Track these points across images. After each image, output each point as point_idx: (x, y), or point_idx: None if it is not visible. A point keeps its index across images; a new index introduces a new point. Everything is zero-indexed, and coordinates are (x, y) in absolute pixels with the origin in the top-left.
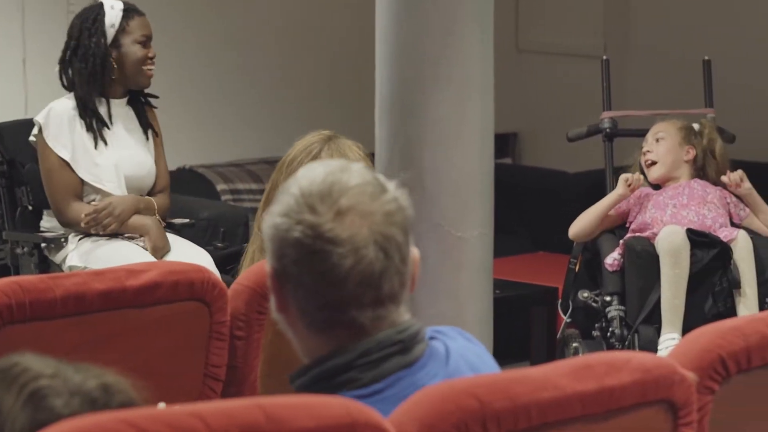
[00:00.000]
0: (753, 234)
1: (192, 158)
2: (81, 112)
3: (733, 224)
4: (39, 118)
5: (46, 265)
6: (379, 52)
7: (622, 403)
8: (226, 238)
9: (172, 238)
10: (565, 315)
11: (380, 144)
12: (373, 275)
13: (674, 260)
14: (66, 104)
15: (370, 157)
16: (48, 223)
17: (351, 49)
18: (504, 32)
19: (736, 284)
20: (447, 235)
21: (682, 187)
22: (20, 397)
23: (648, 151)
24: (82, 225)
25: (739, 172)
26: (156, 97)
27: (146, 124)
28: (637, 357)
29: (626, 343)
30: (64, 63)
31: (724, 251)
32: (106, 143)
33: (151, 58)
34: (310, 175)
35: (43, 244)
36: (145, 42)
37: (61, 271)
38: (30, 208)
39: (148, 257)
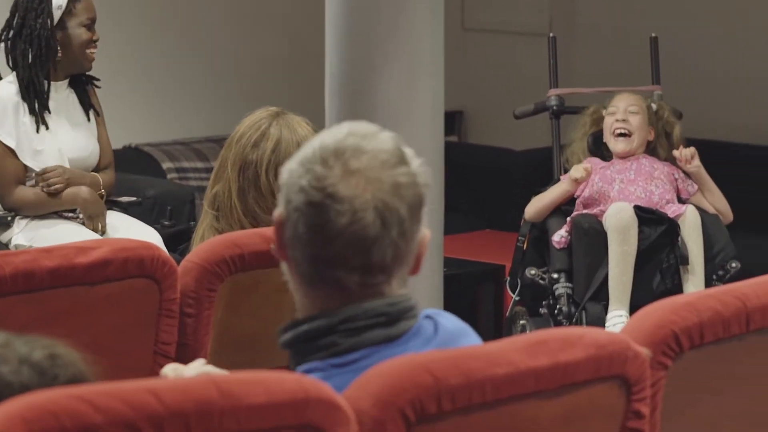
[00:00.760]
0: (701, 211)
1: (138, 136)
2: (24, 95)
3: (681, 200)
4: None
5: None
6: (329, 31)
7: (575, 379)
8: (173, 217)
9: (119, 216)
10: (513, 293)
11: (330, 123)
12: (365, 240)
13: (622, 237)
14: (9, 89)
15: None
16: None
17: (300, 26)
18: (450, 11)
19: (684, 261)
20: None
21: (630, 162)
22: None
23: (623, 120)
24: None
25: (691, 149)
26: (97, 79)
27: (88, 105)
28: (591, 333)
29: (574, 320)
30: (6, 42)
31: (671, 228)
32: (47, 127)
33: (95, 41)
34: (335, 131)
35: None
36: (90, 25)
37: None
38: None
39: (94, 237)
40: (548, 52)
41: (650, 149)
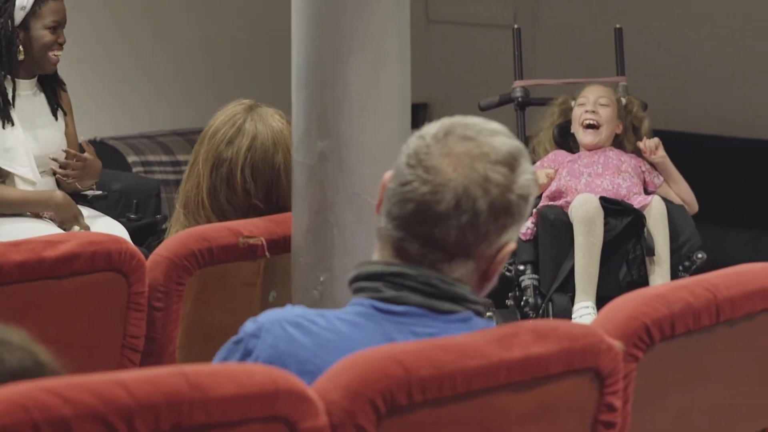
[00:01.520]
0: (666, 202)
1: (103, 130)
2: None
3: (648, 193)
4: None
5: None
6: (295, 22)
7: (548, 372)
8: (139, 210)
9: (85, 210)
10: None
11: (297, 115)
12: (432, 213)
13: (588, 228)
14: None
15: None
16: None
17: (266, 19)
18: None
19: (650, 252)
20: (364, 204)
21: (597, 155)
22: None
23: (593, 112)
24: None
25: (655, 140)
26: (63, 84)
27: (55, 104)
28: (564, 325)
29: (540, 311)
30: None
31: (637, 219)
32: (12, 123)
33: (60, 44)
34: (470, 118)
35: None
36: (55, 27)
37: None
38: None
39: (59, 232)
40: (513, 43)
41: (617, 142)
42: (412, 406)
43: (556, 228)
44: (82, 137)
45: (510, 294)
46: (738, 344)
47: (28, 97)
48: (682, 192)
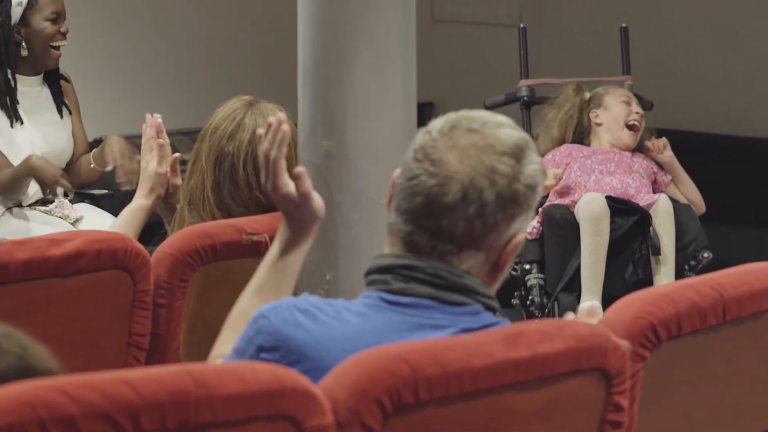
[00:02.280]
0: (673, 201)
1: (108, 129)
2: None
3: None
4: None
5: None
6: (301, 20)
7: (554, 371)
8: None
9: (91, 209)
10: None
11: (303, 113)
12: (440, 206)
13: (594, 227)
14: None
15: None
16: None
17: (272, 18)
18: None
19: (656, 251)
20: (370, 202)
21: (612, 154)
22: None
23: (641, 115)
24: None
25: (663, 140)
26: (67, 78)
27: (61, 102)
28: (571, 325)
29: (546, 311)
30: None
31: (643, 218)
32: (21, 122)
33: (63, 34)
34: (472, 112)
35: None
36: (56, 18)
37: None
38: None
39: (68, 229)
40: (518, 42)
41: None
42: (418, 405)
43: (561, 227)
44: (88, 136)
45: (516, 293)
46: (744, 343)
47: (33, 95)
48: (689, 192)
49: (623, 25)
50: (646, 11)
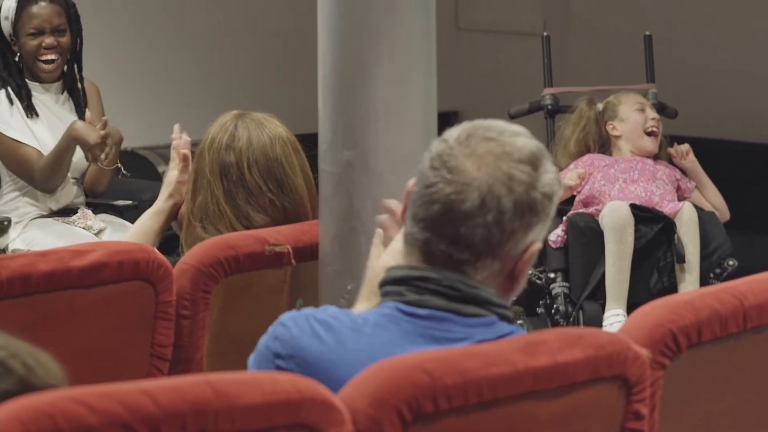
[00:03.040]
0: (698, 209)
1: (133, 140)
2: (10, 100)
3: (683, 200)
4: None
5: None
6: (321, 31)
7: (574, 379)
8: None
9: (115, 219)
10: None
11: (323, 123)
12: (458, 213)
13: (619, 236)
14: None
15: (310, 136)
16: None
17: (294, 29)
18: (444, 11)
19: (680, 259)
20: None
21: (636, 162)
22: None
23: (658, 120)
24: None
25: (686, 146)
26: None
27: (82, 112)
28: (590, 333)
29: (571, 319)
30: None
31: (668, 226)
32: (37, 114)
33: (48, 48)
34: (491, 121)
35: None
36: (36, 34)
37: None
38: None
39: (91, 240)
40: (542, 51)
41: None
42: (437, 414)
43: (586, 235)
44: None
45: (540, 302)
46: (765, 351)
47: (50, 102)
48: (713, 198)
49: (647, 32)
50: (671, 19)
